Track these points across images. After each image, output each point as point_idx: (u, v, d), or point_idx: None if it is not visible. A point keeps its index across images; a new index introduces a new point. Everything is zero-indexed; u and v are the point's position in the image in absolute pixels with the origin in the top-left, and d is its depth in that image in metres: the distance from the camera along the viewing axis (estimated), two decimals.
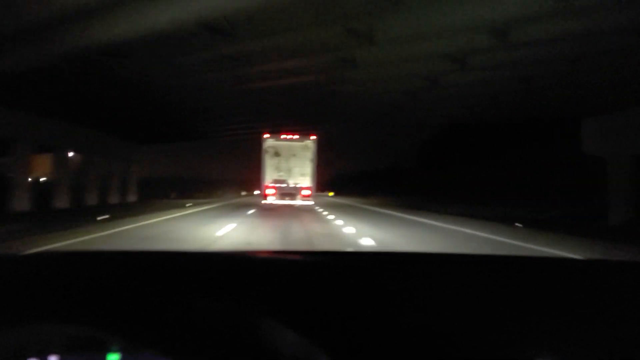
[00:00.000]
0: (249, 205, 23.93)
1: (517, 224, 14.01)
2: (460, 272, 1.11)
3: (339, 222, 13.88)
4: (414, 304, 0.85)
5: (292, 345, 0.68)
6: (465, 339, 0.73)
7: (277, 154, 20.54)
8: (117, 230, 10.68)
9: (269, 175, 20.46)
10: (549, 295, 0.93)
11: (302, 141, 20.53)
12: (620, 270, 1.20)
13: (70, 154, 24.03)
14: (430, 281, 0.99)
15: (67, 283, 0.82)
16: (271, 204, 20.25)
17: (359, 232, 10.67)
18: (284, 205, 20.37)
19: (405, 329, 0.74)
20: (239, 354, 0.64)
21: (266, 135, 20.65)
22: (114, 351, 0.68)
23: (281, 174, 20.43)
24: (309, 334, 0.69)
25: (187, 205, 24.81)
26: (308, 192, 20.09)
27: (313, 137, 20.64)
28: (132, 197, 31.37)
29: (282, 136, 20.62)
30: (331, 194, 64.89)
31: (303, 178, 20.28)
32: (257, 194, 70.05)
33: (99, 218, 13.64)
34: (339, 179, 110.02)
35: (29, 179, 20.50)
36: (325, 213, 18.60)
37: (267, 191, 20.27)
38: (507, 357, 0.69)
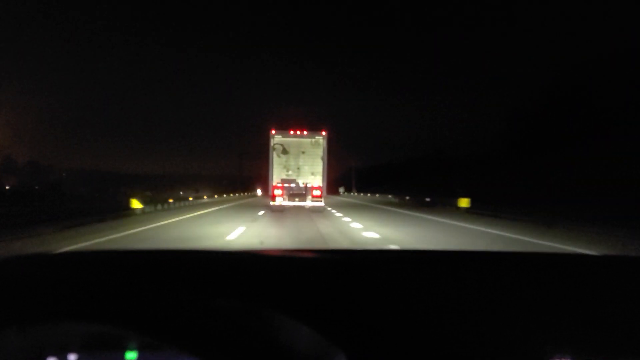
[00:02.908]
0: None
1: None
2: (476, 270, 1.08)
3: None
4: (430, 302, 0.84)
5: (307, 342, 0.69)
6: (482, 337, 0.73)
7: (285, 151, 19.04)
8: None
9: (277, 175, 18.96)
10: (565, 292, 0.91)
11: (312, 137, 19.11)
12: (636, 266, 1.16)
13: None
14: (446, 279, 0.98)
15: (90, 282, 0.81)
16: (280, 206, 18.70)
17: None
18: (295, 207, 18.87)
19: (421, 327, 0.75)
20: (254, 351, 0.65)
21: (273, 131, 19.12)
22: (132, 349, 0.70)
23: (290, 173, 18.99)
24: (324, 331, 0.70)
25: None
26: (319, 193, 18.66)
27: (324, 133, 19.25)
28: None
29: (291, 132, 19.12)
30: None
31: (313, 177, 18.89)
32: (261, 195, 57.37)
33: None
34: (358, 176, 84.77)
35: None
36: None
37: (275, 192, 18.74)
38: (523, 355, 0.70)
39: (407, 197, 34.04)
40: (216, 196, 39.05)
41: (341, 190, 52.10)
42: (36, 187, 56.12)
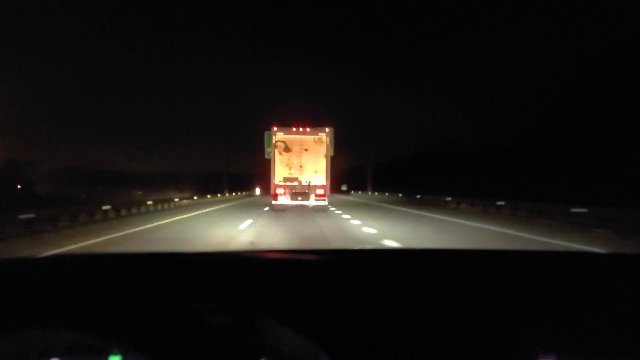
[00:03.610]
0: None
1: None
2: (473, 270, 1.03)
3: None
4: (421, 302, 0.82)
5: (291, 345, 0.69)
6: (471, 337, 0.72)
7: (287, 149, 18.48)
8: None
9: (279, 173, 18.38)
10: (568, 291, 0.88)
11: (316, 134, 18.59)
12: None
13: None
14: (441, 279, 0.94)
15: (73, 288, 0.79)
16: (282, 205, 18.17)
17: None
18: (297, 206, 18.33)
19: (410, 328, 0.74)
20: (240, 354, 0.64)
21: (275, 128, 18.58)
22: (115, 354, 0.70)
23: (292, 171, 18.43)
24: (309, 333, 0.69)
25: None
26: (322, 191, 18.17)
27: (327, 130, 18.77)
28: None
29: (293, 129, 18.58)
30: None
31: (316, 175, 18.35)
32: (259, 194, 51.71)
33: None
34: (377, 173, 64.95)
35: None
36: None
37: (277, 190, 18.20)
38: (511, 354, 0.70)
39: (500, 203, 19.01)
40: (179, 199, 27.54)
41: (344, 187, 34.22)
42: (18, 187, 54.56)
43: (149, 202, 21.31)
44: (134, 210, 18.85)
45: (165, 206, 23.07)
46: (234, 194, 51.06)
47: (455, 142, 60.11)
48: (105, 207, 16.20)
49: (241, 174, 78.94)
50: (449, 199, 24.77)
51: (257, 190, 58.39)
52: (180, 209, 22.52)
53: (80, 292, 0.77)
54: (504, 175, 32.87)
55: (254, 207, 23.82)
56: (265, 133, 19.08)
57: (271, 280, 0.91)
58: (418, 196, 31.56)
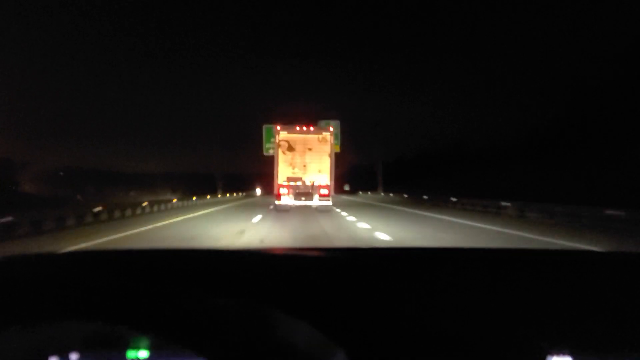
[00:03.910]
0: None
1: None
2: (477, 267, 1.06)
3: None
4: (430, 300, 0.84)
5: (308, 340, 0.69)
6: (482, 334, 0.73)
7: (290, 148, 18.12)
8: None
9: (282, 173, 18.02)
10: (565, 289, 0.90)
11: (319, 133, 18.30)
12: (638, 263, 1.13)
13: None
14: (447, 277, 0.96)
15: (94, 281, 0.81)
16: (286, 205, 17.77)
17: None
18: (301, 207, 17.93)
19: (421, 325, 0.75)
20: (256, 349, 0.65)
21: (278, 127, 18.25)
22: (133, 348, 0.72)
23: (295, 170, 18.07)
24: (325, 329, 0.70)
25: None
26: (326, 191, 17.81)
27: (331, 129, 18.49)
28: None
29: (297, 128, 18.23)
30: None
31: (320, 175, 17.99)
32: (260, 195, 49.25)
33: None
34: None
35: None
36: None
37: (281, 191, 17.85)
38: (522, 352, 0.71)
39: (613, 212, 12.09)
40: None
41: (346, 187, 30.89)
42: (13, 188, 53.94)
43: (99, 208, 15.49)
44: (70, 221, 13.20)
45: (130, 212, 17.81)
46: (228, 194, 45.54)
47: (459, 141, 58.12)
48: (3, 220, 10.57)
49: (242, 173, 77.72)
50: (506, 204, 17.84)
51: (258, 191, 56.03)
52: (141, 218, 16.79)
53: (100, 288, 0.76)
54: (505, 175, 32.14)
55: (246, 213, 18.69)
56: (265, 127, 18.59)
57: (287, 277, 0.90)
58: (454, 199, 23.84)
